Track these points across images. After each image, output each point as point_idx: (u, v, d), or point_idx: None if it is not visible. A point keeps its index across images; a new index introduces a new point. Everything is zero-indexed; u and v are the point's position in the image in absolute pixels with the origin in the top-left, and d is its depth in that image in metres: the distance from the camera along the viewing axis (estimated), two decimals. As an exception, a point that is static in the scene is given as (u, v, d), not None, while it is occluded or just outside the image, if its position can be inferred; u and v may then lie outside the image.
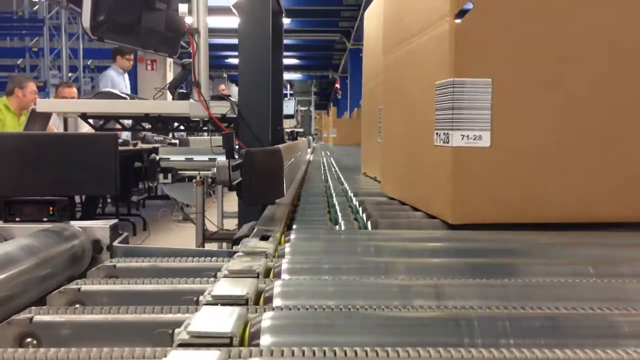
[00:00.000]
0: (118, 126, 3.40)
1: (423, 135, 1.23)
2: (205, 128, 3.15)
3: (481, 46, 1.08)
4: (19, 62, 10.61)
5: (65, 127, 4.94)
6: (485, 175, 1.09)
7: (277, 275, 0.80)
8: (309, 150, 5.65)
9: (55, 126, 4.89)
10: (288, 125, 7.27)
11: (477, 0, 1.06)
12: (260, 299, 0.69)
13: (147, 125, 3.55)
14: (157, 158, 3.28)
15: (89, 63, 12.54)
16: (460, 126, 1.07)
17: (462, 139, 1.08)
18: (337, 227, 1.29)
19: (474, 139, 1.08)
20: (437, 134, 1.14)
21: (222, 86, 8.23)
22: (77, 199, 4.12)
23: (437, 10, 1.13)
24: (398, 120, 1.53)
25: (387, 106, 1.69)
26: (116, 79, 5.94)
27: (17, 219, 0.98)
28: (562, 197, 1.10)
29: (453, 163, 1.08)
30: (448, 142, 1.09)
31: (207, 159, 3.26)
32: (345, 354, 0.51)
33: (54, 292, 0.75)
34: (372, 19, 2.43)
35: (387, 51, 1.62)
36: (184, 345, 0.53)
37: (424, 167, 1.26)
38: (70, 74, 10.17)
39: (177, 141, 5.29)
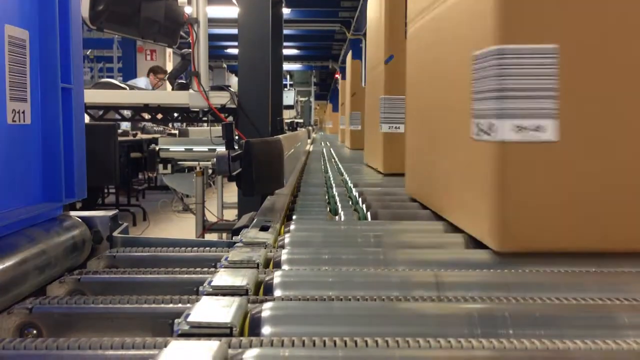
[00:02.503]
0: (117, 116, 3.39)
1: (455, 126, 0.94)
2: (205, 118, 3.15)
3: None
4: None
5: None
6: (550, 183, 0.76)
7: (277, 266, 0.80)
8: (309, 141, 5.64)
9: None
10: (288, 115, 7.26)
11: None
12: (260, 290, 0.69)
13: (147, 116, 3.55)
14: (157, 148, 3.28)
15: (88, 53, 12.50)
16: (511, 112, 0.75)
17: (515, 130, 0.75)
18: (337, 217, 1.29)
19: (533, 130, 0.75)
20: (476, 123, 0.83)
21: None
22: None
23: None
24: (424, 105, 1.23)
25: (409, 91, 1.40)
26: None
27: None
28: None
29: (500, 164, 0.76)
30: (491, 135, 0.77)
31: (206, 150, 3.26)
32: (345, 343, 0.51)
33: (53, 282, 0.75)
34: (374, 4, 2.33)
35: (410, 21, 1.33)
36: (184, 335, 0.53)
37: (456, 169, 0.95)
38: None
39: (176, 131, 5.29)
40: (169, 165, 3.32)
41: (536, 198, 0.76)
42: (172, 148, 3.35)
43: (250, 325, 0.57)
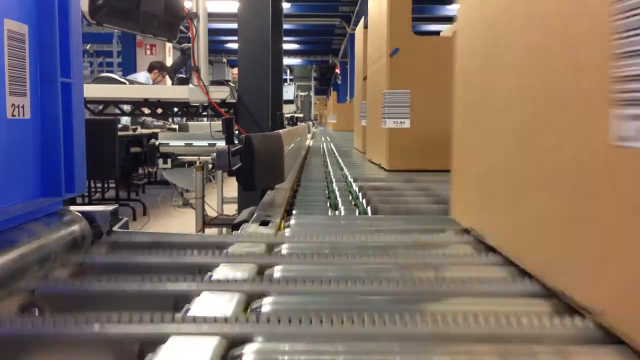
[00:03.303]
0: (117, 111, 3.39)
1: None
2: (205, 113, 3.15)
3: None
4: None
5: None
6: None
7: (277, 261, 0.80)
8: (309, 136, 5.64)
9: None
10: (288, 110, 7.25)
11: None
12: (260, 284, 0.69)
13: (147, 110, 3.55)
14: (157, 143, 3.27)
15: (87, 47, 12.49)
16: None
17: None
18: (337, 212, 1.29)
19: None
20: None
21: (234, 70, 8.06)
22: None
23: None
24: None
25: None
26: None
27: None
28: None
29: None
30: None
31: (206, 144, 3.25)
32: (349, 338, 0.51)
33: (55, 267, 0.75)
34: (375, 3, 2.39)
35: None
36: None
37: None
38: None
39: (176, 126, 5.28)
40: (169, 160, 3.31)
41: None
42: (172, 143, 3.34)
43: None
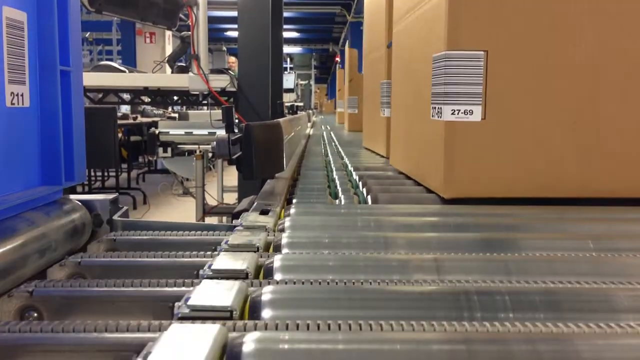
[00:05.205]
0: (117, 99, 3.38)
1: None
2: (205, 102, 3.14)
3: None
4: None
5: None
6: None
7: (277, 250, 0.80)
8: (309, 125, 5.63)
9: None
10: (288, 99, 7.24)
11: None
12: (260, 273, 0.69)
13: (147, 99, 3.54)
14: (157, 132, 3.27)
15: (86, 35, 12.44)
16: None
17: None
18: (337, 201, 1.29)
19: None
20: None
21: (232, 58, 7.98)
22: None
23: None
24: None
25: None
26: None
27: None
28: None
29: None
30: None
31: (206, 133, 3.25)
32: (349, 327, 0.51)
33: (54, 266, 0.75)
34: None
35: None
36: (184, 318, 0.53)
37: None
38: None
39: (176, 115, 5.27)
40: (169, 149, 3.31)
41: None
42: (172, 131, 3.34)
43: (250, 309, 0.57)
